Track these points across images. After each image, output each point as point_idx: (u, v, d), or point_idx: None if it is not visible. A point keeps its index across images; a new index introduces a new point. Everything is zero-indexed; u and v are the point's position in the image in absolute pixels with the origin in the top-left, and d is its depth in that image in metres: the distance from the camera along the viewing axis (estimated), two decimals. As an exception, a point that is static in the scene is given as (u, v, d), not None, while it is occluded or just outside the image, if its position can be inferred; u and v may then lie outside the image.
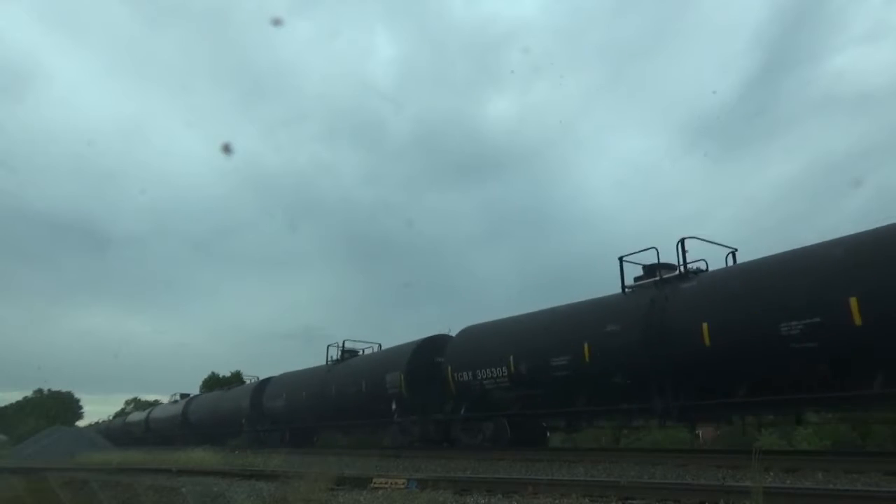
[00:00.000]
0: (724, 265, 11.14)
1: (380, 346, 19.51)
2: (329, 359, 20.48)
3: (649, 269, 11.49)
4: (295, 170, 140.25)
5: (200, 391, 38.17)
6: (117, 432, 42.71)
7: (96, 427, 51.77)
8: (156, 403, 49.63)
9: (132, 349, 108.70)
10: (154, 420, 36.09)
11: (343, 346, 20.23)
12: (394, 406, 16.14)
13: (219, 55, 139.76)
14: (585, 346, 11.35)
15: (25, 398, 61.73)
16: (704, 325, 9.63)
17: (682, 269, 11.01)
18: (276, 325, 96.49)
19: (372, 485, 8.37)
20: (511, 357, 12.98)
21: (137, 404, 60.42)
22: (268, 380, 24.88)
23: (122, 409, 61.13)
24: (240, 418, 25.35)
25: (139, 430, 37.66)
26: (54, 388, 61.62)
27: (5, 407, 62.82)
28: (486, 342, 14.26)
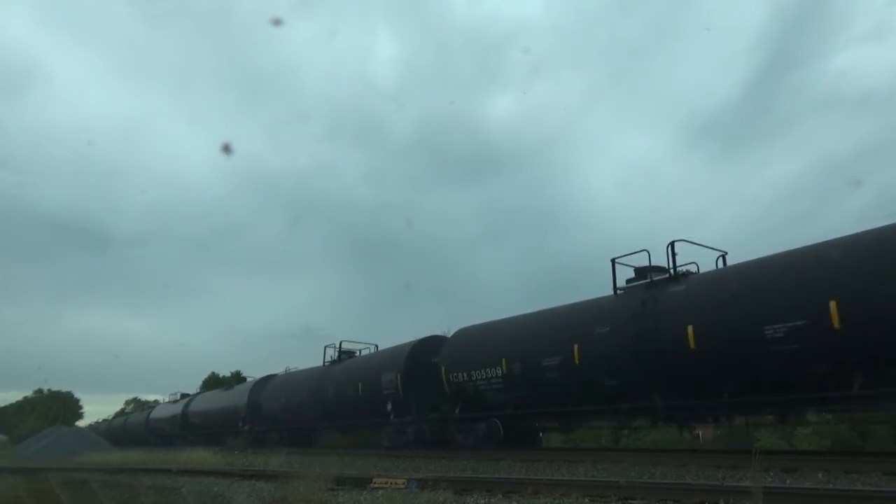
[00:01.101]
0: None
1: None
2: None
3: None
4: (296, 170, 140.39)
5: (200, 391, 37.89)
6: (138, 430, 36.42)
7: (106, 426, 46.96)
8: (156, 403, 49.25)
9: (132, 349, 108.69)
10: (196, 414, 29.33)
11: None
12: None
13: (220, 55, 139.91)
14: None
15: (25, 398, 61.73)
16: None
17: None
18: (277, 324, 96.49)
19: (372, 485, 8.37)
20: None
21: (137, 404, 60.41)
22: (441, 338, 16.39)
23: (122, 409, 61.14)
24: (378, 403, 16.33)
25: (172, 426, 31.22)
26: (54, 388, 61.65)
27: (5, 407, 62.86)
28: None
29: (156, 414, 35.48)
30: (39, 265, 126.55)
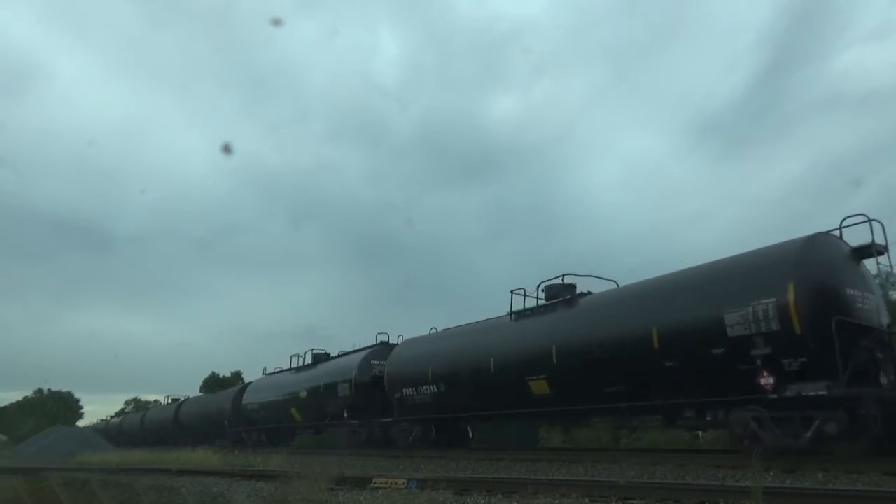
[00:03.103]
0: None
1: None
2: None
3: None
4: (298, 169, 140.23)
5: (201, 391, 37.80)
6: (203, 420, 28.32)
7: (137, 419, 39.55)
8: (156, 403, 49.05)
9: (132, 349, 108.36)
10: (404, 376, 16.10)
11: None
12: None
13: (222, 54, 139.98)
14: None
15: (25, 398, 61.71)
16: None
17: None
18: (279, 324, 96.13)
19: (372, 485, 8.38)
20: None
21: (138, 404, 60.41)
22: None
23: (122, 409, 61.12)
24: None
25: (285, 412, 21.22)
26: (54, 388, 61.66)
27: (5, 407, 62.87)
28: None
29: (254, 396, 23.78)
30: (39, 265, 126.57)
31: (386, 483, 8.29)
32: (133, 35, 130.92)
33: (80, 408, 63.90)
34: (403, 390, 15.56)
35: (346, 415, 18.01)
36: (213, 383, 40.89)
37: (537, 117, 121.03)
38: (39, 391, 61.80)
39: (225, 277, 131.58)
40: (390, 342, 18.65)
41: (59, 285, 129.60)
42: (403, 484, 8.06)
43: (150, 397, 59.50)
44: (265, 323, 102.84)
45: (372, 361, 18.28)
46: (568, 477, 8.10)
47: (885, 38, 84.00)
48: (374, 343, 18.80)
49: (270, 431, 23.35)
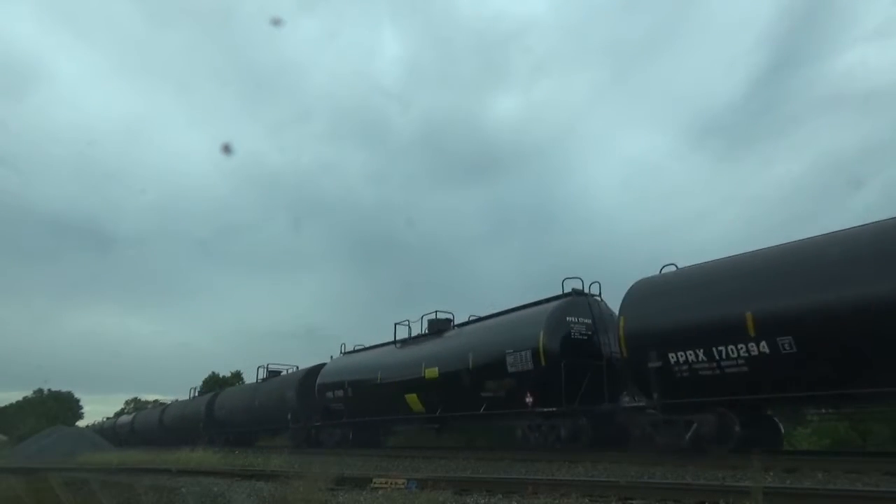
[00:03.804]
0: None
1: None
2: None
3: None
4: (298, 169, 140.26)
5: (201, 391, 37.74)
6: (256, 414, 24.06)
7: (162, 417, 34.74)
8: (156, 403, 48.97)
9: (133, 349, 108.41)
10: None
11: None
12: None
13: (223, 54, 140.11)
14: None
15: (25, 398, 61.84)
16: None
17: None
18: (279, 325, 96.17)
19: (372, 485, 8.38)
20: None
21: (138, 404, 60.47)
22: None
23: (123, 409, 61.18)
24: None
25: (394, 400, 17.38)
26: (54, 388, 61.79)
27: (5, 407, 63.01)
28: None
29: (336, 381, 19.31)
30: (40, 265, 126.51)
31: (386, 483, 8.28)
32: (134, 35, 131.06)
33: (80, 408, 64.09)
34: (671, 356, 9.76)
35: (528, 399, 12.24)
36: (214, 383, 40.88)
37: (538, 117, 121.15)
38: (39, 391, 61.93)
39: (225, 277, 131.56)
40: (584, 291, 13.11)
41: (59, 285, 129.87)
42: (403, 484, 8.06)
43: (150, 397, 59.63)
44: (266, 323, 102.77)
45: (567, 318, 12.63)
46: (568, 477, 8.11)
47: (887, 37, 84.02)
48: (562, 293, 13.15)
49: (363, 427, 18.06)
